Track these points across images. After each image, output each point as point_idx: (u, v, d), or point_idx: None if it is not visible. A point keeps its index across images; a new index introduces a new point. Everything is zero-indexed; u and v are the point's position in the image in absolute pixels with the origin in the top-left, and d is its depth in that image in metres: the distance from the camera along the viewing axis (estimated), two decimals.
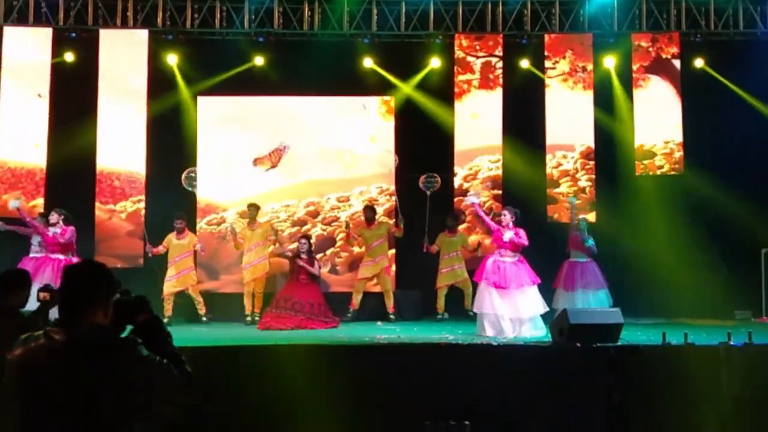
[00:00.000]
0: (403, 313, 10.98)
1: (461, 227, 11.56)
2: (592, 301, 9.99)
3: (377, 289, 10.97)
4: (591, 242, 10.35)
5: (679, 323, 9.58)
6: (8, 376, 2.62)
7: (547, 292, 9.73)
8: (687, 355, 7.12)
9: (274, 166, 11.82)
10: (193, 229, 11.24)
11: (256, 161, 11.84)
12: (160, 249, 10.47)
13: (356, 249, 11.50)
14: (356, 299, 10.79)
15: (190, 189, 11.15)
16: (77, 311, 2.63)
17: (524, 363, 7.18)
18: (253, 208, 10.82)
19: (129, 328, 2.82)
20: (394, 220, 11.22)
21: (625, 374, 6.96)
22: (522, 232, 8.87)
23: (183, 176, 11.23)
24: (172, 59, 11.67)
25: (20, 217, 9.74)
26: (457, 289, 10.94)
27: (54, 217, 9.57)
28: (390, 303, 10.78)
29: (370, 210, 11.03)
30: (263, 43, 11.82)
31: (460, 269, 10.86)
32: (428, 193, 11.22)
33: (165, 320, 10.14)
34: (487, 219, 9.36)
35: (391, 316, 10.68)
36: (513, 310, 8.59)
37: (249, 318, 10.45)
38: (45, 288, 4.36)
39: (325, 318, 9.91)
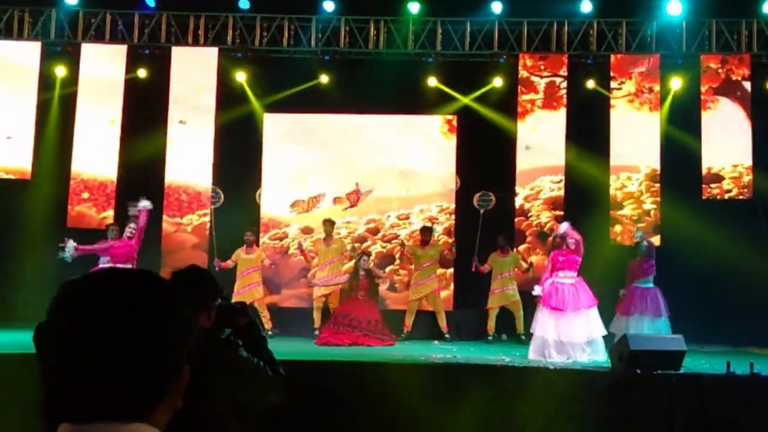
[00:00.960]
0: (461, 333, 10.94)
1: (521, 247, 11.48)
2: (646, 328, 9.76)
3: (425, 308, 10.96)
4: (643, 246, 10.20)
5: (745, 352, 9.32)
6: None
7: (609, 314, 9.62)
8: (753, 387, 6.92)
9: (353, 206, 11.96)
10: (257, 244, 11.45)
11: (335, 200, 11.99)
12: (229, 263, 10.65)
13: (413, 266, 11.52)
14: (409, 320, 10.80)
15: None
16: None
17: (581, 388, 7.09)
18: (329, 223, 10.92)
19: (227, 331, 2.98)
20: (450, 240, 11.22)
21: (686, 404, 6.81)
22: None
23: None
24: (240, 76, 11.94)
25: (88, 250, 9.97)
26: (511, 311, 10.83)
27: (133, 210, 9.82)
28: (443, 323, 10.73)
29: (427, 231, 11.02)
30: (329, 61, 12.01)
31: (512, 290, 10.71)
32: (482, 211, 11.09)
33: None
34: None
35: (447, 336, 10.64)
36: (568, 334, 8.49)
37: (317, 332, 10.50)
38: None
39: (382, 335, 9.95)
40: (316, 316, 10.66)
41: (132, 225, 9.75)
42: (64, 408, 1.12)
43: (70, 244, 9.80)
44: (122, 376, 1.10)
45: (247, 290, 10.53)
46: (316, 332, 10.47)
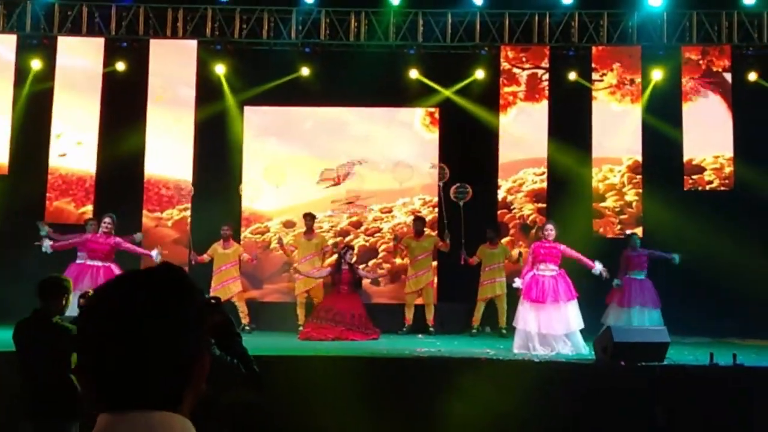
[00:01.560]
0: (445, 326, 10.91)
1: (504, 240, 11.46)
2: (647, 319, 9.78)
3: (419, 301, 10.92)
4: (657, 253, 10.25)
5: (727, 343, 9.36)
6: None
7: (597, 307, 9.62)
8: (736, 377, 6.95)
9: (336, 184, 11.86)
10: (238, 238, 11.35)
11: (322, 178, 11.90)
12: (204, 257, 10.55)
13: (398, 260, 11.48)
14: (409, 314, 10.76)
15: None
16: None
17: (566, 380, 7.09)
18: (309, 217, 10.84)
19: None
20: (441, 234, 11.18)
21: (670, 395, 6.82)
22: (561, 246, 8.82)
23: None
24: (219, 69, 11.82)
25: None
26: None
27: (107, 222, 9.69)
28: (430, 316, 10.71)
29: (420, 222, 10.98)
30: (309, 53, 11.90)
31: (500, 282, 10.69)
32: (460, 203, 10.99)
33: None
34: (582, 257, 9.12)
35: (431, 329, 10.62)
36: (547, 326, 8.49)
37: (301, 328, 10.41)
38: (85, 295, 4.43)
39: (366, 329, 9.90)
40: (300, 312, 10.61)
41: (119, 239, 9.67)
42: (104, 400, 1.27)
43: (45, 228, 9.69)
44: (153, 369, 1.25)
45: (224, 286, 10.40)
46: (300, 328, 10.41)
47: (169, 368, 1.26)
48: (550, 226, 8.94)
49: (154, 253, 9.82)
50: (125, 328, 1.26)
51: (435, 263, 11.33)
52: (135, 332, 1.25)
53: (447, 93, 11.90)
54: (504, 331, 10.30)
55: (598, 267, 8.90)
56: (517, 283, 8.97)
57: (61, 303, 4.70)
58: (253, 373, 2.88)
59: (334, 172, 11.89)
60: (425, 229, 11.11)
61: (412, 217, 11.56)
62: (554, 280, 8.67)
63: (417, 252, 10.79)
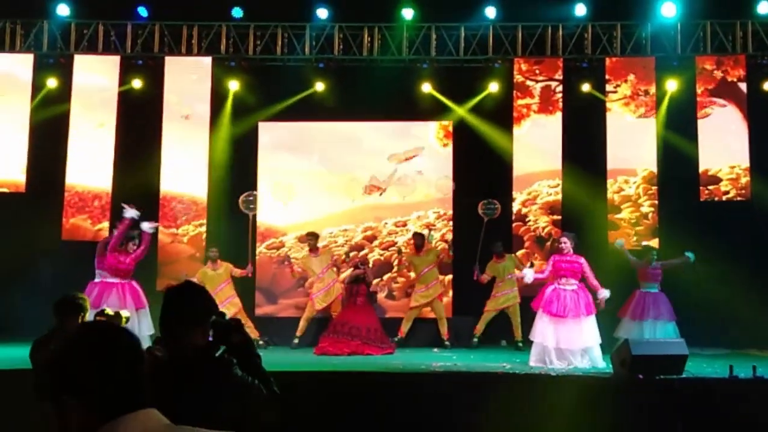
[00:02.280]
0: (461, 339, 10.87)
1: (519, 252, 11.41)
2: (659, 332, 9.71)
3: (432, 315, 10.89)
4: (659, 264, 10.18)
5: (747, 355, 9.27)
6: None
7: (610, 320, 9.55)
8: (755, 390, 6.87)
9: (401, 162, 11.87)
10: (254, 254, 11.37)
11: (391, 157, 11.95)
12: (194, 279, 10.45)
13: (413, 274, 11.46)
14: (405, 327, 10.71)
15: (247, 212, 11.07)
16: (179, 331, 2.79)
17: (584, 394, 7.03)
18: (312, 237, 10.81)
19: (222, 348, 2.96)
20: (447, 245, 11.19)
21: (689, 408, 6.75)
22: (582, 260, 8.76)
23: (240, 199, 11.18)
24: (233, 85, 11.89)
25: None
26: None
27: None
28: (444, 329, 10.67)
29: (419, 237, 10.97)
30: (323, 68, 11.96)
31: (512, 294, 10.66)
32: (486, 219, 10.91)
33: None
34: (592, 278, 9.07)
35: (446, 343, 10.58)
36: (566, 341, 8.44)
37: (297, 341, 10.51)
38: (101, 312, 4.44)
39: (382, 344, 9.89)
40: (302, 324, 10.59)
41: (133, 244, 9.62)
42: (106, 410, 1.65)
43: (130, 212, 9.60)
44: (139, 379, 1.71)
45: (224, 307, 10.29)
46: (296, 340, 10.44)
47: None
48: (564, 239, 8.88)
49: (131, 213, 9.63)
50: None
51: (448, 277, 11.30)
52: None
53: (461, 111, 11.90)
54: (520, 344, 10.25)
55: (603, 293, 8.70)
56: (526, 275, 8.90)
57: (77, 321, 4.71)
58: (273, 394, 2.89)
59: (403, 154, 11.91)
60: (426, 242, 11.06)
61: (426, 231, 11.55)
62: (576, 294, 8.63)
63: (421, 267, 10.75)
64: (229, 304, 10.30)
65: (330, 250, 11.18)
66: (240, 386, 2.78)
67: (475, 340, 10.63)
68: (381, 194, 11.95)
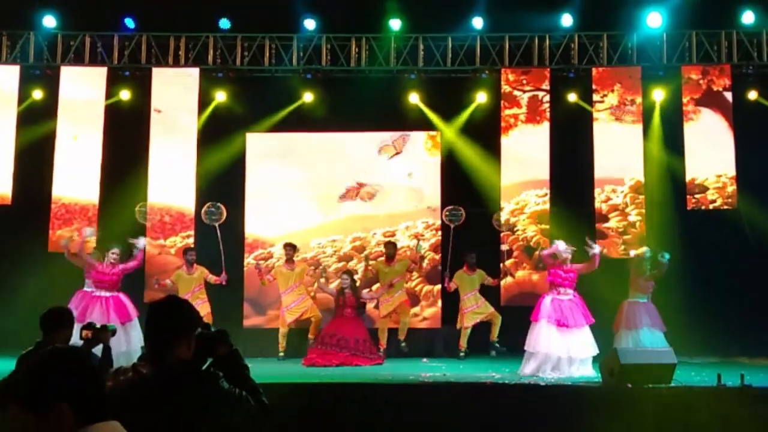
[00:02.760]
0: (451, 350, 10.86)
1: (509, 262, 11.40)
2: (654, 340, 9.69)
3: (423, 324, 10.87)
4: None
5: (735, 363, 9.30)
6: None
7: (601, 330, 9.55)
8: (743, 398, 6.88)
9: (398, 153, 11.85)
10: (241, 265, 11.33)
11: (381, 149, 11.93)
12: (167, 282, 10.45)
13: (409, 284, 11.39)
14: (383, 338, 10.67)
15: (210, 223, 10.93)
16: (163, 346, 2.75)
17: (573, 403, 7.02)
18: (290, 248, 10.77)
19: (208, 361, 2.94)
20: (416, 256, 11.22)
21: (678, 417, 6.75)
22: (576, 267, 8.81)
23: (203, 210, 11.03)
24: (221, 96, 11.88)
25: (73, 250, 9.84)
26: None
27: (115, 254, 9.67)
28: (403, 334, 10.62)
29: (391, 246, 10.94)
30: (311, 79, 11.97)
31: (483, 306, 10.66)
32: (452, 226, 11.04)
33: None
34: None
35: (403, 344, 10.53)
36: (568, 350, 8.44)
37: (282, 354, 10.52)
38: (87, 326, 4.40)
39: (370, 354, 9.87)
40: (282, 341, 10.60)
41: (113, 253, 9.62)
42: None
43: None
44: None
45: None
46: (281, 354, 10.45)
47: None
48: (566, 249, 8.89)
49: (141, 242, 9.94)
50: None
51: (437, 287, 11.30)
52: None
53: (446, 122, 11.93)
54: (497, 346, 10.34)
55: (595, 248, 9.05)
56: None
57: (64, 335, 4.67)
58: (263, 405, 2.86)
59: (390, 143, 11.88)
60: (397, 252, 11.04)
61: (414, 241, 11.56)
62: (573, 304, 8.67)
63: (390, 276, 10.70)
64: (199, 308, 10.27)
65: (305, 267, 11.09)
66: (227, 399, 2.74)
67: (462, 354, 10.59)
68: (391, 157, 11.84)
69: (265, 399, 2.88)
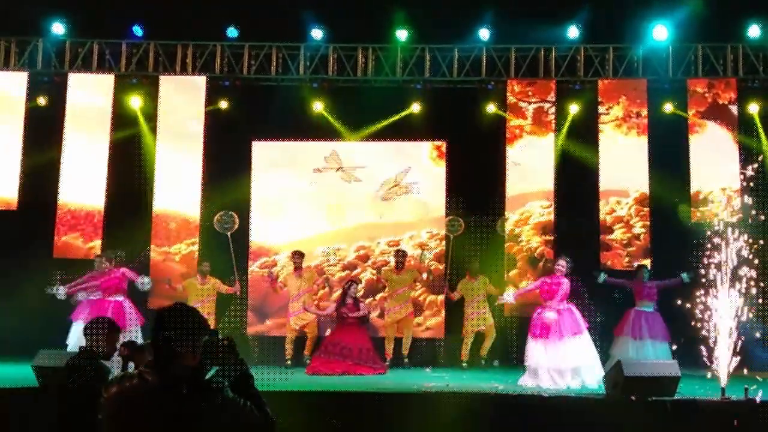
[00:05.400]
0: (453, 360, 10.84)
1: (512, 272, 11.41)
2: (655, 352, 9.68)
3: (427, 334, 10.86)
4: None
5: (739, 377, 9.25)
6: (104, 413, 2.73)
7: (604, 339, 9.54)
8: (747, 412, 6.86)
9: (396, 185, 11.95)
10: (245, 272, 11.34)
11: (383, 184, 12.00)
12: (178, 287, 10.48)
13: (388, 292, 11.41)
14: (389, 348, 10.68)
15: (222, 231, 10.98)
16: (169, 353, 2.75)
17: (575, 416, 7.01)
18: (297, 255, 10.80)
19: (214, 369, 2.93)
20: (424, 267, 11.24)
21: (682, 430, 6.73)
22: (563, 281, 8.80)
23: (215, 218, 11.07)
24: (226, 104, 11.92)
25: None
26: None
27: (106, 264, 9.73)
28: (406, 350, 10.66)
29: (401, 254, 10.97)
30: (317, 88, 12.01)
31: (487, 313, 10.67)
32: (452, 237, 11.12)
33: None
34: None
35: (405, 360, 10.56)
36: (554, 361, 8.44)
37: (289, 362, 10.52)
38: (128, 344, 4.34)
39: (374, 364, 9.85)
40: (288, 348, 10.61)
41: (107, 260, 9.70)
42: None
43: (60, 289, 9.67)
44: None
45: None
46: (288, 362, 10.44)
47: None
48: (561, 263, 8.92)
49: (145, 280, 9.98)
50: None
51: (440, 298, 11.30)
52: None
53: (452, 130, 11.94)
54: (483, 362, 10.45)
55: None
56: (506, 298, 9.26)
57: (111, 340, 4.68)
58: (266, 417, 2.84)
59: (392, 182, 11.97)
60: (407, 261, 11.07)
61: (418, 251, 11.57)
62: (559, 315, 8.65)
63: (397, 285, 10.75)
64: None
65: (314, 273, 11.11)
66: (231, 409, 2.73)
67: (464, 364, 10.59)
68: (338, 171, 11.90)
69: (269, 410, 2.87)
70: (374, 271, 11.48)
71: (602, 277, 10.19)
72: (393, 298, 10.79)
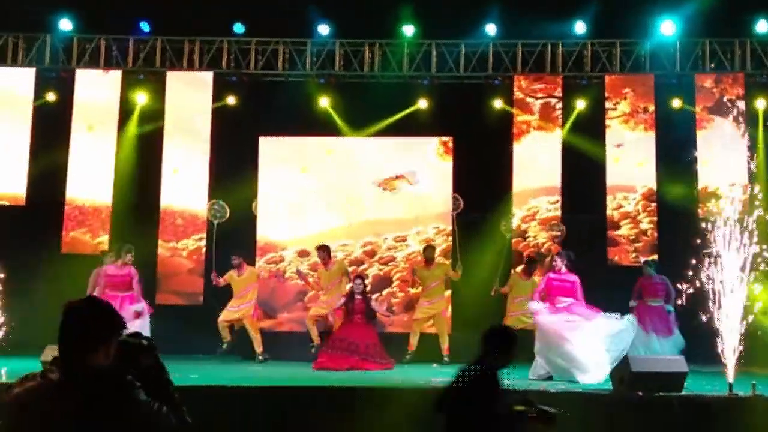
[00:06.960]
0: (461, 355, 10.82)
1: (519, 268, 11.36)
2: (663, 347, 9.67)
3: (433, 330, 10.85)
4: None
5: (747, 372, 9.23)
6: (5, 415, 2.53)
7: None
8: (754, 408, 6.85)
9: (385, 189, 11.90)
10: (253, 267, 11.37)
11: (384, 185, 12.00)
12: (221, 281, 10.54)
13: (412, 290, 11.44)
14: (413, 341, 10.66)
15: (213, 221, 10.97)
16: (73, 351, 2.55)
17: (583, 411, 7.00)
18: (322, 250, 10.71)
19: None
20: (451, 262, 11.15)
21: (689, 426, 6.73)
22: (574, 278, 8.78)
23: (207, 207, 11.10)
24: (233, 100, 11.94)
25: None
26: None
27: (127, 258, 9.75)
28: (445, 345, 10.61)
29: (430, 249, 10.91)
30: (324, 84, 12.02)
31: (528, 316, 10.59)
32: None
33: (224, 344, 10.23)
34: None
35: (445, 359, 10.52)
36: (583, 342, 8.41)
37: (314, 348, 10.38)
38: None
39: (380, 359, 9.85)
40: (313, 332, 10.50)
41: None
42: None
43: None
44: None
45: (242, 308, 10.38)
46: (313, 349, 10.34)
47: None
48: (557, 258, 8.93)
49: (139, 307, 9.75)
50: None
51: (448, 292, 11.29)
52: None
53: (460, 126, 11.93)
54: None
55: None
56: (532, 306, 8.98)
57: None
58: (184, 423, 2.63)
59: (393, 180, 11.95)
60: (435, 256, 11.05)
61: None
62: (571, 307, 8.65)
63: (429, 280, 10.71)
64: (246, 308, 10.38)
65: (343, 263, 10.99)
66: (141, 411, 2.52)
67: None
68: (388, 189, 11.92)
69: (188, 417, 2.66)
70: (391, 268, 11.36)
71: (632, 303, 10.08)
72: (426, 293, 10.69)
